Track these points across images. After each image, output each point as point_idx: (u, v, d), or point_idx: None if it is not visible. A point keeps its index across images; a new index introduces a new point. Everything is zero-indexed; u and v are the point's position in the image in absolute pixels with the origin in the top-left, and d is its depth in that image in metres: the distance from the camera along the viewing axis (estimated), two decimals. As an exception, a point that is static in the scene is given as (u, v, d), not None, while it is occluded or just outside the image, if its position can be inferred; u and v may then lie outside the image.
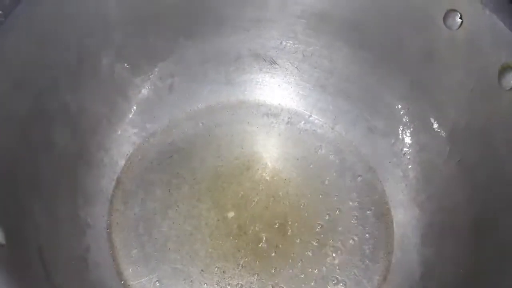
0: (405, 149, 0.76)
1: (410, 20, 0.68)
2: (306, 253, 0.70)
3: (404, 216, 0.74)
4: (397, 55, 0.73)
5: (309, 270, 0.68)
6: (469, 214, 0.64)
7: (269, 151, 0.80)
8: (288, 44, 0.81)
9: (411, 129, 0.75)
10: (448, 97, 0.68)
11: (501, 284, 0.55)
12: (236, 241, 0.70)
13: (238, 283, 0.67)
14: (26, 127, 0.61)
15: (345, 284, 0.68)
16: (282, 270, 0.68)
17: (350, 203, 0.75)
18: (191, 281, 0.67)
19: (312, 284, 0.68)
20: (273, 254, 0.69)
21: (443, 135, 0.69)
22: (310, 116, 0.83)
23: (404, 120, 0.75)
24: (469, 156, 0.66)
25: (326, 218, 0.73)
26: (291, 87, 0.84)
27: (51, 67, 0.65)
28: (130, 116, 0.78)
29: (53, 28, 0.63)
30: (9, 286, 0.45)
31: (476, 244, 0.62)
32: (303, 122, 0.83)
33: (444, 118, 0.70)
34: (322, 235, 0.71)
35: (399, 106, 0.75)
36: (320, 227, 0.72)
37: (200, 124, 0.81)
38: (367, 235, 0.72)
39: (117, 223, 0.71)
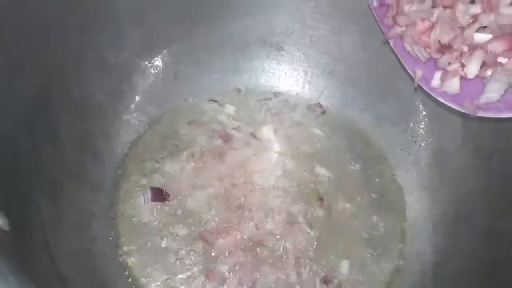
0: (416, 135, 0.75)
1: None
2: (316, 242, 0.68)
3: (416, 204, 0.72)
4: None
5: (320, 261, 0.67)
6: (485, 203, 0.62)
7: (277, 139, 0.78)
8: (296, 29, 0.79)
9: (424, 114, 0.73)
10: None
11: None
12: (250, 230, 0.68)
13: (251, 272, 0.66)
14: (29, 113, 0.59)
15: (357, 274, 0.67)
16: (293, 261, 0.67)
17: (360, 191, 0.73)
18: (199, 270, 0.65)
19: (323, 274, 0.66)
20: (279, 244, 0.68)
21: (457, 121, 0.68)
22: (318, 104, 0.82)
23: (417, 106, 0.74)
24: (484, 143, 0.65)
25: (336, 207, 0.72)
26: (298, 74, 0.83)
27: (55, 52, 0.63)
28: (135, 103, 0.76)
29: (55, 13, 0.61)
30: (15, 275, 0.44)
31: (492, 234, 0.60)
32: (310, 110, 0.81)
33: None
34: (333, 224, 0.70)
35: (413, 93, 0.73)
36: (331, 216, 0.71)
37: (206, 112, 0.80)
38: (378, 224, 0.71)
39: (122, 212, 0.69)
